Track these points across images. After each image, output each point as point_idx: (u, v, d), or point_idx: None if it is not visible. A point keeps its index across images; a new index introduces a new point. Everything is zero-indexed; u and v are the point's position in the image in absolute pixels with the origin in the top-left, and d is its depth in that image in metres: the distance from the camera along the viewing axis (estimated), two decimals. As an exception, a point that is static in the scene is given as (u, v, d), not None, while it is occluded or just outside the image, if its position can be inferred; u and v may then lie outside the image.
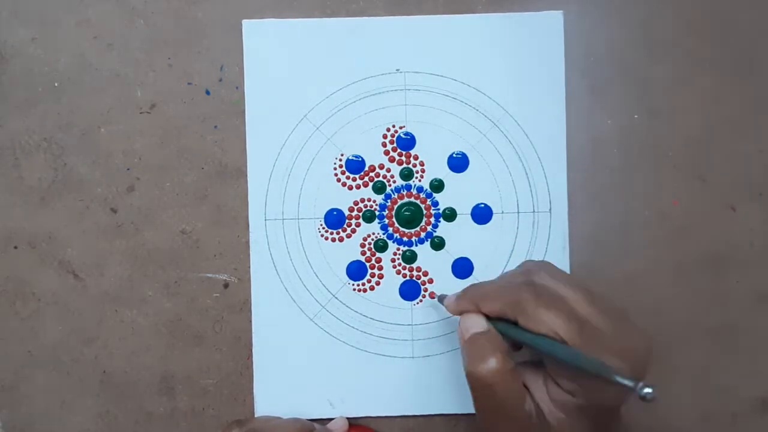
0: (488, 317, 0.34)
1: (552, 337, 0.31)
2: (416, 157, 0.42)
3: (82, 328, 0.42)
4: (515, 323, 0.32)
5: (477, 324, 0.33)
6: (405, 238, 0.42)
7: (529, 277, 0.33)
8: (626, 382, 0.26)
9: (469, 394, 0.33)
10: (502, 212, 0.42)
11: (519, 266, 0.36)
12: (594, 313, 0.31)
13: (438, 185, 0.42)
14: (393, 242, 0.42)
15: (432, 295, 0.42)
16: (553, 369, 0.32)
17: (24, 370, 0.42)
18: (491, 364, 0.31)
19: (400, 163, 0.42)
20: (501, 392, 0.31)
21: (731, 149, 0.42)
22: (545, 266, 0.34)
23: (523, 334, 0.32)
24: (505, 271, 0.41)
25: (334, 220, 0.42)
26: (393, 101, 0.42)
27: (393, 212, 0.42)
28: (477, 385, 0.32)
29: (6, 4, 0.41)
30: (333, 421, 0.41)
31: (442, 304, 0.38)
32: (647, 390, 0.26)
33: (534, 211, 0.42)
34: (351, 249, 0.42)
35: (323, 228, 0.42)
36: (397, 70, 0.42)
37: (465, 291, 0.36)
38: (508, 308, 0.32)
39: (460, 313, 0.35)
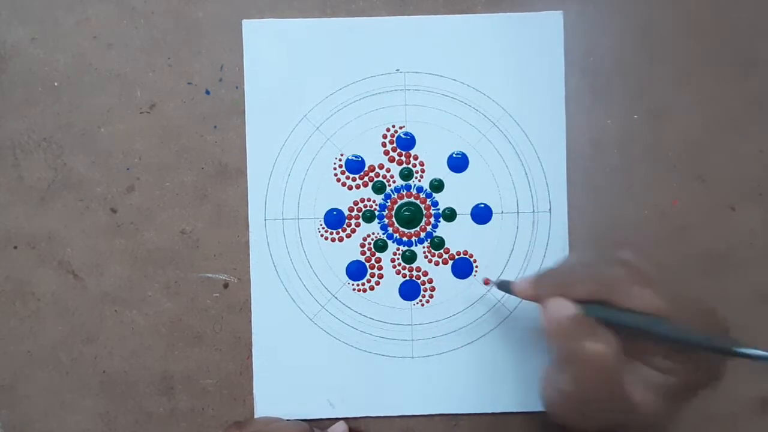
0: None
1: (650, 314, 0.30)
2: (416, 157, 0.42)
3: (82, 328, 0.42)
4: (602, 303, 0.31)
5: (566, 308, 0.32)
6: (405, 238, 0.42)
7: (617, 255, 0.33)
8: (753, 352, 0.26)
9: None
10: (502, 212, 0.42)
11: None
12: (680, 290, 0.31)
13: (438, 185, 0.42)
14: (393, 242, 0.42)
15: (486, 282, 0.41)
16: (648, 348, 0.31)
17: (23, 370, 0.42)
18: (598, 346, 0.30)
19: (399, 163, 0.42)
20: (608, 372, 0.30)
21: (731, 149, 0.42)
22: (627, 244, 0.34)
23: (618, 314, 0.31)
24: (507, 265, 0.42)
25: (334, 220, 0.42)
26: (393, 101, 0.42)
27: (393, 212, 0.42)
28: (583, 365, 0.31)
29: (6, 4, 0.41)
30: (333, 426, 0.41)
31: (505, 290, 0.36)
32: None
33: (534, 211, 0.42)
34: (351, 249, 0.42)
35: (323, 228, 0.42)
36: (397, 70, 0.42)
37: (543, 276, 0.34)
38: (601, 289, 0.31)
39: (537, 299, 0.34)
